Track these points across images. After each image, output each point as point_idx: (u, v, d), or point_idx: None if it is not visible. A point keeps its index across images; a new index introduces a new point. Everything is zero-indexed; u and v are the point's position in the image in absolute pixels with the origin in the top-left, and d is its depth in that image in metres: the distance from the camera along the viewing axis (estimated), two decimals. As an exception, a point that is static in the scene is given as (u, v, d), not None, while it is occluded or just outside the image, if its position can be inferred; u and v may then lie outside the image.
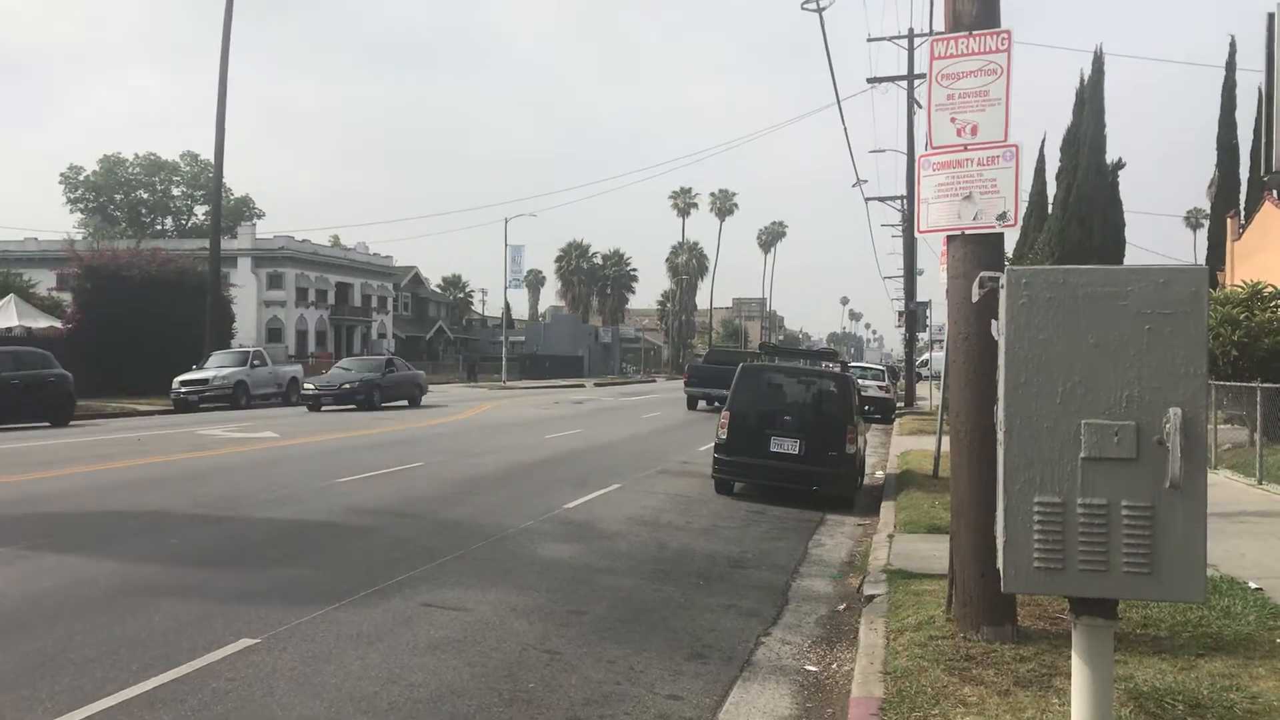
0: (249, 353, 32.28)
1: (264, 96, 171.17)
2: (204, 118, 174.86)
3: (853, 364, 26.07)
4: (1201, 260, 35.94)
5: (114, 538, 8.94)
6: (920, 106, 29.72)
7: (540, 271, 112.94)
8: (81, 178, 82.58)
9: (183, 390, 28.45)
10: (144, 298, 32.61)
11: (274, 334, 63.08)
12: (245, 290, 57.85)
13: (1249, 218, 25.33)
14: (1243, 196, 28.87)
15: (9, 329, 30.47)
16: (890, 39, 32.50)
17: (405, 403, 31.48)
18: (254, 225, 72.54)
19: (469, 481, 13.26)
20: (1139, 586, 3.47)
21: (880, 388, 30.85)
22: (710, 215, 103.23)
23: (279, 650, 5.77)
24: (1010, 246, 27.11)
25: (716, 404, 28.14)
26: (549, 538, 9.65)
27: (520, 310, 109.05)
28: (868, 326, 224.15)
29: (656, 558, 9.03)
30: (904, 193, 36.39)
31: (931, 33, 21.55)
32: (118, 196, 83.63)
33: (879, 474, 16.10)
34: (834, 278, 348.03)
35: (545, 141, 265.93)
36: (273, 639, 5.97)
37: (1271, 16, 10.60)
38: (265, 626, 6.20)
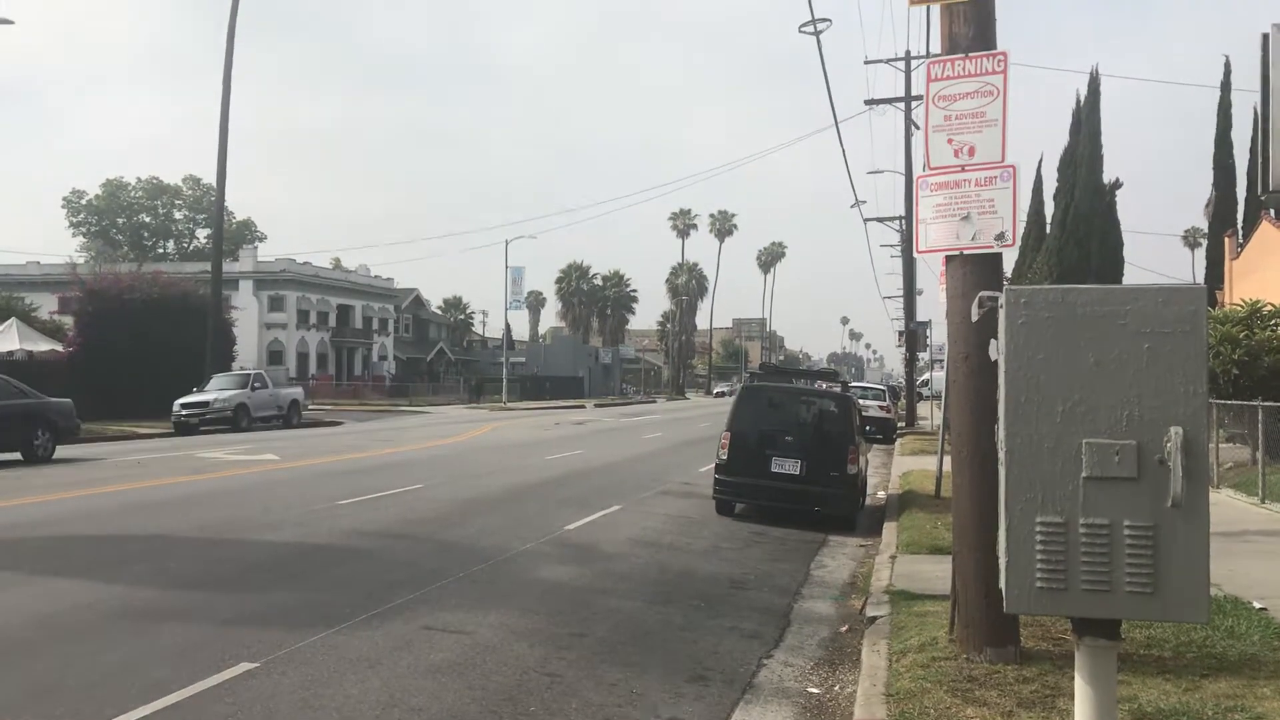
0: (250, 375, 32.30)
1: (265, 118, 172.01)
2: (206, 141, 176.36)
3: (853, 384, 26.06)
4: (1200, 279, 36.00)
5: (113, 561, 8.90)
6: (918, 128, 29.83)
7: (541, 293, 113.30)
8: (84, 202, 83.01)
9: (183, 413, 28.42)
10: (146, 321, 32.63)
11: (275, 356, 63.13)
12: (247, 313, 58.07)
13: (1247, 237, 25.43)
14: (1240, 215, 28.98)
15: (10, 352, 30.53)
16: (887, 61, 32.71)
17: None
18: (255, 248, 72.92)
19: (469, 503, 13.23)
20: (1142, 607, 3.46)
21: (881, 408, 30.79)
22: (710, 236, 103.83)
23: (279, 674, 5.74)
24: (1009, 266, 27.14)
25: None
26: (550, 559, 9.61)
27: (521, 331, 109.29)
28: (868, 346, 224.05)
29: (658, 579, 9.00)
30: (902, 213, 36.54)
31: (928, 55, 21.71)
32: (120, 220, 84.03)
33: (881, 494, 16.07)
34: (834, 298, 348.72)
35: (545, 163, 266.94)
36: (272, 663, 5.94)
37: (1266, 37, 10.68)
38: (265, 650, 6.17)
